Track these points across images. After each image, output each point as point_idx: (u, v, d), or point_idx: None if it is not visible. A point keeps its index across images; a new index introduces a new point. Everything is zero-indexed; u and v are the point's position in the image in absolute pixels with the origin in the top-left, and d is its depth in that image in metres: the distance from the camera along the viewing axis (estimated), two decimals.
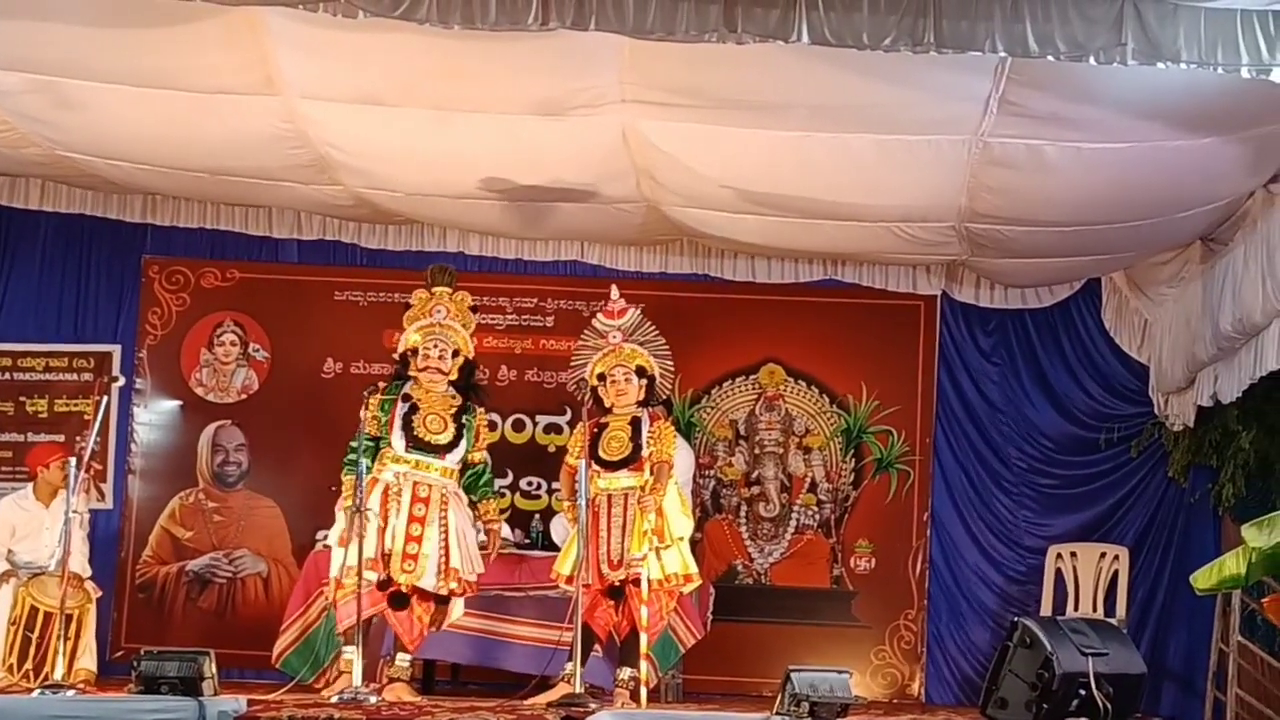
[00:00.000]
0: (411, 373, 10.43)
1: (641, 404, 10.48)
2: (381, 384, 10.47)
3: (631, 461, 10.35)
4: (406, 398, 10.39)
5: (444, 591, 10.20)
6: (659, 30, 7.88)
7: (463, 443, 10.38)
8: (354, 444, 10.19)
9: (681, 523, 10.40)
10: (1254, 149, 9.45)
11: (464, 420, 10.41)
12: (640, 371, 10.48)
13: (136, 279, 13.48)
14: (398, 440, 10.29)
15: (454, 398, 10.45)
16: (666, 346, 10.61)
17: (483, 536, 10.63)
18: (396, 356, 10.58)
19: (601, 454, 10.36)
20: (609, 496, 10.31)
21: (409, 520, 10.14)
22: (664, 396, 10.74)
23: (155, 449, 13.37)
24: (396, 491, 10.19)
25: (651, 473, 10.30)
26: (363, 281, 13.43)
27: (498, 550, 10.65)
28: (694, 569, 10.44)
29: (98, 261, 13.50)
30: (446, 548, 10.17)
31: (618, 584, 10.18)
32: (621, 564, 10.19)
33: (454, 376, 10.46)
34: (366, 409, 10.22)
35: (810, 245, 12.42)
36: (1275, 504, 10.82)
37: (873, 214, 11.24)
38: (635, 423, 10.46)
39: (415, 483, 10.21)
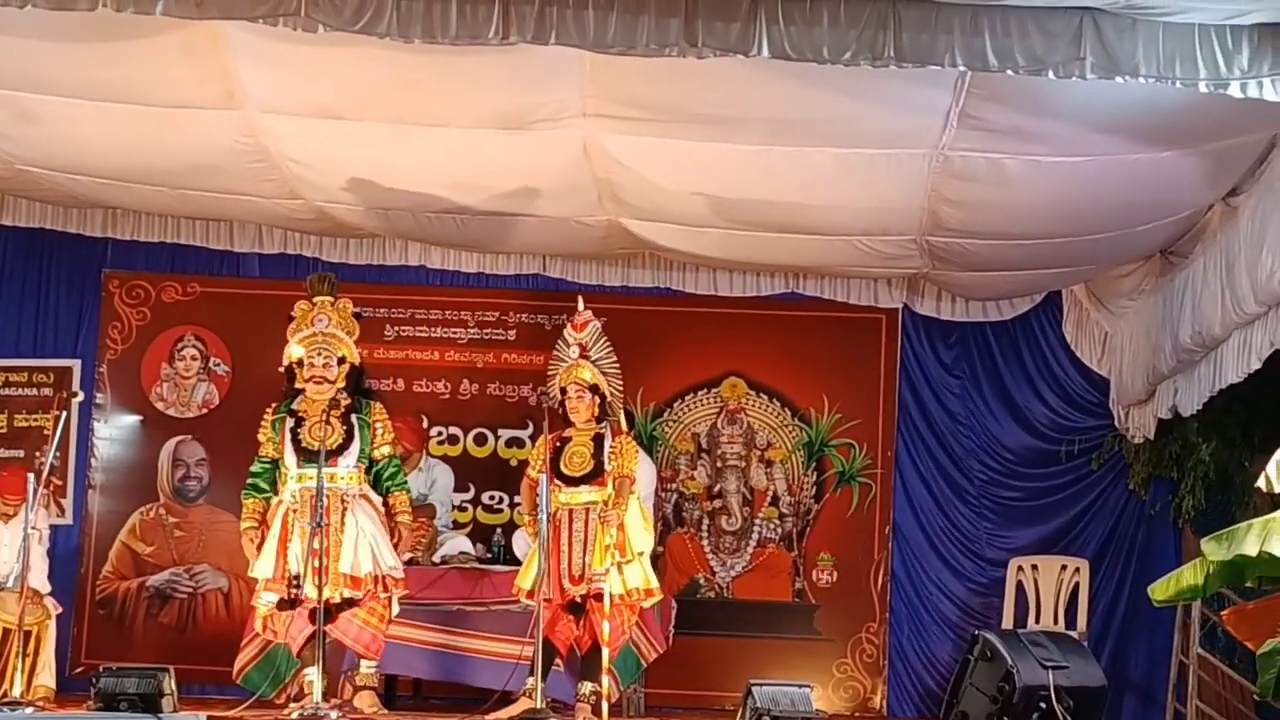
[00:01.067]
0: (299, 385, 10.35)
1: (597, 420, 10.46)
2: (273, 404, 10.42)
3: (593, 477, 10.33)
4: (294, 413, 10.31)
5: (343, 598, 10.09)
6: (619, 44, 7.88)
7: (356, 442, 10.30)
8: (254, 469, 10.23)
9: (642, 537, 10.39)
10: (1213, 162, 9.50)
11: (354, 420, 10.32)
12: (593, 389, 10.46)
13: (97, 293, 13.44)
14: (290, 458, 10.21)
15: (343, 400, 10.34)
16: (618, 365, 10.55)
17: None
18: (282, 370, 10.46)
19: (563, 468, 10.34)
20: (570, 511, 10.30)
21: (312, 534, 10.03)
22: (616, 415, 10.69)
23: (116, 464, 13.32)
24: (296, 509, 10.14)
25: (614, 488, 10.30)
26: None
27: (410, 544, 10.56)
28: (655, 584, 10.44)
29: (58, 276, 13.45)
30: (339, 554, 10.08)
31: (579, 599, 10.18)
32: (583, 579, 10.18)
33: (341, 384, 10.31)
34: (261, 431, 10.21)
35: (772, 258, 12.44)
36: (1235, 516, 10.87)
37: (834, 227, 11.25)
38: (598, 438, 10.45)
39: (311, 495, 10.09)
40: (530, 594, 10.14)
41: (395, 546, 10.28)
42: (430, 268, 13.09)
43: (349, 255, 13.07)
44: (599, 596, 10.11)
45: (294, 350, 10.35)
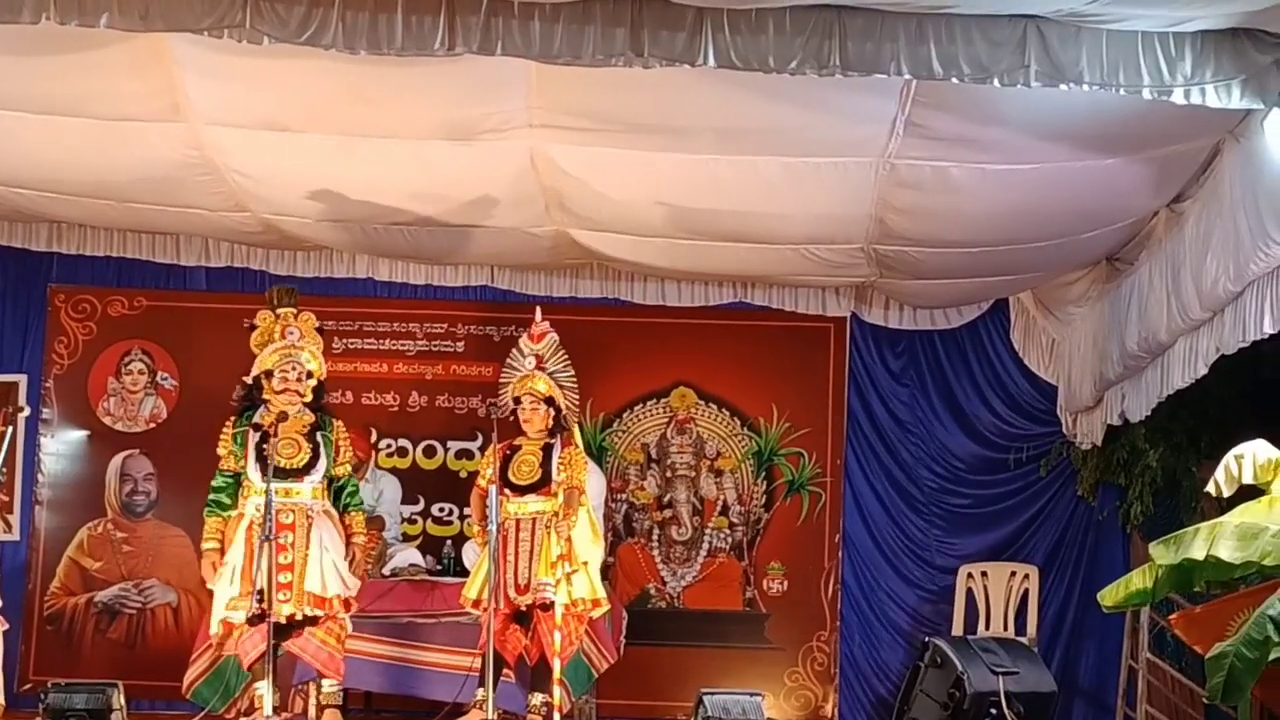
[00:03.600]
0: (266, 396, 10.27)
1: (550, 433, 10.47)
2: (231, 418, 10.38)
3: (541, 486, 10.34)
4: (257, 426, 10.24)
5: (308, 615, 10.08)
6: (565, 55, 7.88)
7: (322, 460, 10.25)
8: (215, 483, 10.15)
9: (589, 548, 10.39)
10: (1158, 169, 9.55)
11: (319, 438, 10.27)
12: (549, 401, 10.47)
13: (43, 308, 13.36)
14: (254, 472, 10.12)
15: (306, 417, 10.34)
16: (574, 378, 10.58)
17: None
18: (249, 380, 10.36)
19: (511, 478, 10.34)
20: (518, 521, 10.30)
21: (276, 549, 10.01)
22: (570, 427, 10.68)
23: (63, 479, 13.24)
24: (260, 524, 10.08)
25: (563, 498, 10.30)
26: None
27: (363, 566, 10.48)
28: (602, 594, 10.44)
29: (3, 290, 13.36)
30: (305, 571, 10.06)
31: (524, 609, 10.17)
32: (528, 589, 10.17)
33: (308, 398, 10.29)
34: (219, 447, 10.17)
35: (720, 268, 12.46)
36: (1183, 521, 10.93)
37: (781, 236, 11.28)
38: (547, 448, 10.46)
39: (278, 510, 10.07)
40: (477, 603, 10.15)
41: (350, 566, 10.26)
42: (378, 279, 13.07)
43: (296, 268, 13.02)
44: (545, 607, 10.12)
45: (267, 360, 10.28)
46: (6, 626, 11.43)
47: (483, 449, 12.51)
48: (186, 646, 11.55)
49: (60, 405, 13.26)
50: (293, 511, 10.06)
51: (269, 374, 10.25)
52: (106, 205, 11.69)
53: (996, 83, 7.87)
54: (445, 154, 10.15)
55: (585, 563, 10.30)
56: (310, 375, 10.29)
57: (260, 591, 9.80)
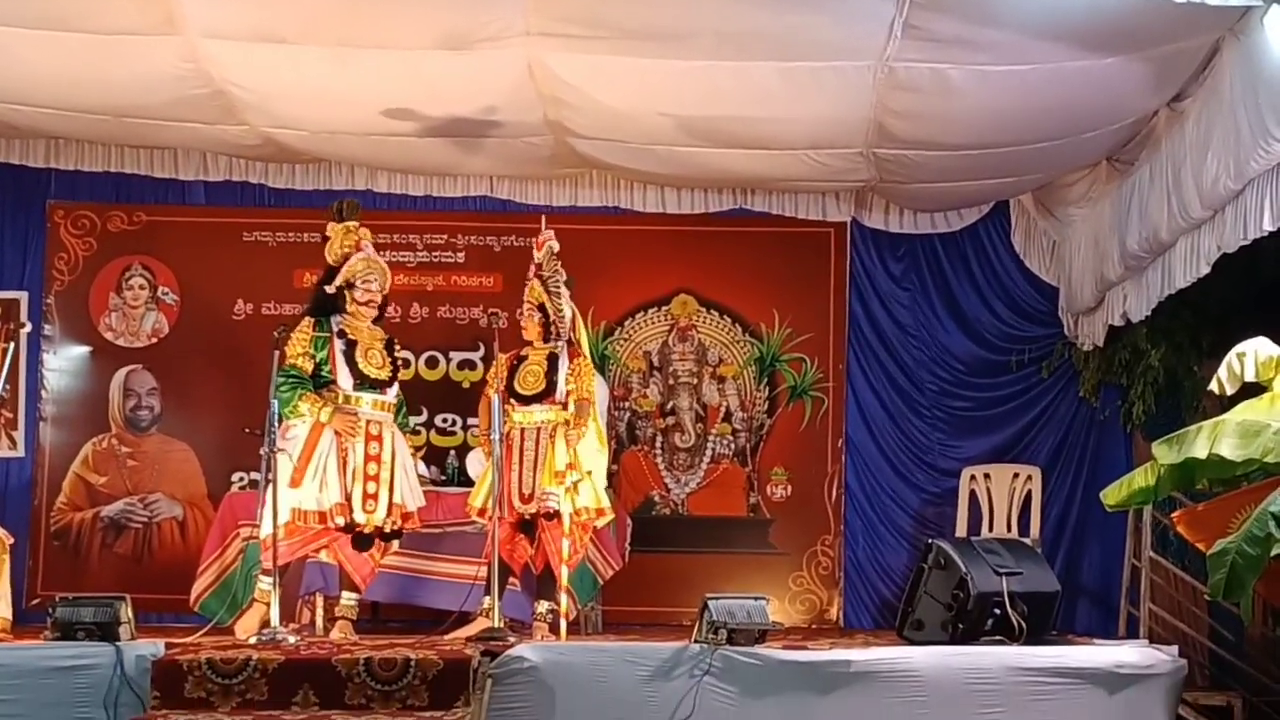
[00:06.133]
0: (350, 307, 10.39)
1: (544, 339, 10.52)
2: (289, 325, 10.41)
3: (546, 396, 10.38)
4: (341, 334, 10.36)
5: (395, 527, 10.29)
6: None
7: (397, 377, 10.47)
8: (281, 381, 10.11)
9: (594, 458, 10.44)
10: (1157, 68, 9.50)
11: (393, 355, 10.49)
12: (540, 308, 10.52)
13: (42, 224, 13.33)
14: (345, 379, 10.28)
15: (380, 332, 10.47)
16: (561, 285, 10.66)
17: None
18: (331, 290, 10.47)
19: (517, 387, 10.40)
20: (522, 430, 10.36)
21: (365, 459, 10.15)
22: (574, 337, 10.72)
23: (66, 395, 13.26)
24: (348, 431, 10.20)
25: (575, 409, 10.36)
26: (271, 222, 13.34)
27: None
28: (606, 503, 10.51)
29: (1, 208, 13.32)
30: (392, 483, 10.22)
31: (529, 518, 10.22)
32: (532, 498, 10.23)
33: (376, 314, 10.51)
34: (290, 345, 10.20)
35: (720, 174, 12.42)
36: (1184, 421, 10.93)
37: (780, 141, 11.25)
38: (552, 358, 10.49)
39: (368, 420, 10.21)
40: (482, 512, 10.22)
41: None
42: (377, 191, 13.02)
43: (295, 181, 12.99)
44: (550, 515, 10.18)
45: (356, 266, 10.43)
46: (12, 540, 11.51)
47: (485, 359, 12.57)
48: (193, 560, 11.65)
49: (62, 321, 13.25)
50: (379, 424, 10.19)
51: (350, 285, 10.32)
52: (103, 120, 11.65)
53: None
54: (442, 64, 10.10)
55: (589, 472, 10.35)
56: (382, 289, 10.49)
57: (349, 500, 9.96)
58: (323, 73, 10.33)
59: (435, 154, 12.06)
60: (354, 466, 10.16)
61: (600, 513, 10.43)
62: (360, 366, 10.28)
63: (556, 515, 10.23)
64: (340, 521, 10.06)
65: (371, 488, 10.17)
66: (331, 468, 10.09)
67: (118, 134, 12.24)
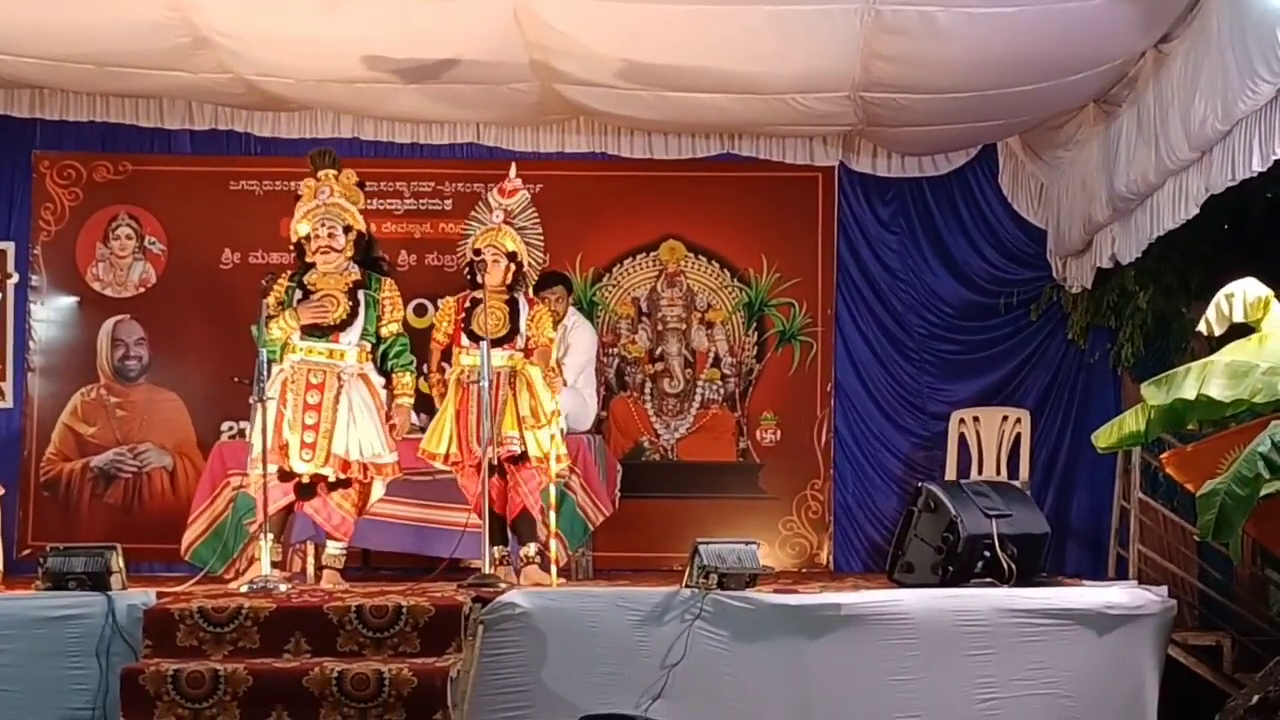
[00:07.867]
0: (310, 259, 10.35)
1: (508, 288, 10.49)
2: (276, 272, 10.40)
3: (508, 340, 10.36)
4: (303, 286, 10.32)
5: (342, 477, 10.19)
6: None
7: (360, 319, 10.32)
8: (254, 328, 10.10)
9: (552, 402, 10.43)
10: (1144, 9, 9.47)
11: (361, 296, 10.35)
12: (511, 256, 10.49)
13: (28, 174, 13.30)
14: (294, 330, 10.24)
15: (351, 275, 10.38)
16: (542, 237, 10.66)
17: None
18: (292, 248, 10.51)
19: (475, 329, 10.34)
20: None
21: (303, 408, 10.10)
22: (528, 285, 10.72)
23: (54, 345, 13.25)
24: (292, 380, 10.16)
25: (540, 356, 10.39)
26: (257, 170, 13.32)
27: (404, 427, 10.52)
28: (563, 450, 10.45)
29: None
30: (332, 433, 10.13)
31: (493, 462, 10.19)
32: (494, 443, 10.18)
33: (350, 253, 10.38)
34: (267, 297, 10.16)
35: (707, 119, 12.38)
36: (1173, 362, 10.93)
37: (768, 86, 11.21)
38: (512, 303, 10.47)
39: (309, 368, 10.17)
40: (438, 457, 10.25)
41: (391, 428, 10.36)
42: (364, 139, 12.98)
43: (281, 129, 12.95)
44: (513, 459, 10.20)
45: (300, 227, 10.38)
46: (3, 492, 11.52)
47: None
48: (183, 509, 11.65)
49: (49, 272, 13.22)
50: (323, 371, 10.14)
51: (308, 237, 10.30)
52: (87, 69, 11.59)
53: None
54: (428, 11, 10.06)
55: (555, 412, 10.37)
56: (349, 230, 10.36)
57: (284, 447, 9.93)
58: (307, 19, 10.28)
59: (421, 101, 12.01)
60: (289, 418, 10.10)
61: (560, 459, 10.39)
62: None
63: (523, 458, 10.24)
64: (272, 469, 9.98)
65: (309, 437, 10.08)
66: (270, 415, 10.02)
67: (102, 83, 12.18)
